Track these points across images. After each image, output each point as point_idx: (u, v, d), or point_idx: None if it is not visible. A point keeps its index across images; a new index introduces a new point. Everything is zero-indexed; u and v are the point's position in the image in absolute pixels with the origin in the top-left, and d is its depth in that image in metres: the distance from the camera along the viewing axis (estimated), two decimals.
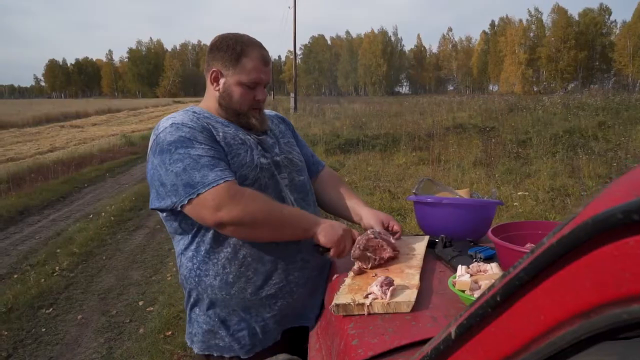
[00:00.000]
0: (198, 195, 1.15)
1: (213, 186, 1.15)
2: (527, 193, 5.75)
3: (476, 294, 0.98)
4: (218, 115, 1.35)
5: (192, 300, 1.35)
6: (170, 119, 1.27)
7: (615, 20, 74.62)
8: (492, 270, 1.05)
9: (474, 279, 1.02)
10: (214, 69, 1.33)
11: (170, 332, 3.05)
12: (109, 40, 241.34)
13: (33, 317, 3.40)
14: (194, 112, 1.34)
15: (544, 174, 6.86)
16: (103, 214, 6.27)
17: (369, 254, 1.27)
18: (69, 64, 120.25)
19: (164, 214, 1.30)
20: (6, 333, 3.15)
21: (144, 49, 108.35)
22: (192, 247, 1.29)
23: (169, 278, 3.99)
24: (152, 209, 1.27)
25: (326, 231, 1.27)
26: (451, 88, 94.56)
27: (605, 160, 7.44)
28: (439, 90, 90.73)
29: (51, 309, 3.52)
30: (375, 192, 6.31)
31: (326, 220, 1.31)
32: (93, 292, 3.83)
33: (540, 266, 0.34)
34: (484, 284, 0.98)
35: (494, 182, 6.72)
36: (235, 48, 1.30)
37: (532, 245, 1.18)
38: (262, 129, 1.39)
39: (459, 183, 6.61)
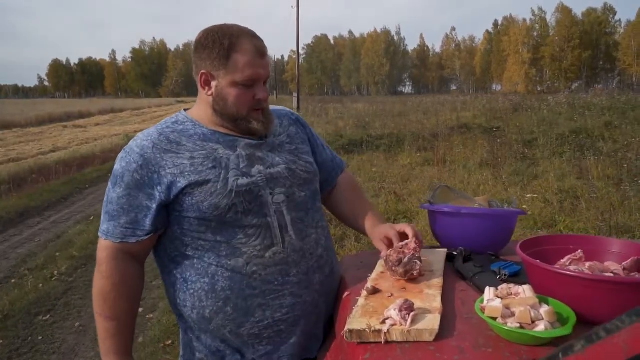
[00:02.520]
0: (98, 235, 1.17)
1: (101, 237, 1.16)
2: (536, 195, 5.63)
3: (509, 323, 0.86)
4: (208, 123, 1.18)
5: (184, 325, 1.24)
6: (132, 140, 1.18)
7: (619, 20, 74.47)
8: (525, 293, 0.94)
9: (506, 304, 0.90)
10: (202, 71, 1.15)
11: (170, 341, 2.95)
12: (112, 40, 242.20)
13: (30, 324, 3.30)
14: (175, 122, 1.19)
15: (552, 175, 6.73)
16: None
17: (408, 260, 1.16)
18: (72, 64, 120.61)
19: None
20: (1, 341, 3.06)
21: (147, 49, 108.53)
22: (174, 271, 1.17)
23: None
24: None
25: None
26: (454, 88, 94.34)
27: (615, 161, 7.30)
28: (442, 90, 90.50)
29: (48, 316, 3.42)
30: (381, 194, 6.19)
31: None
32: (92, 298, 3.71)
33: None
34: (518, 311, 0.87)
35: (502, 183, 6.59)
36: (222, 43, 1.11)
37: (566, 263, 1.06)
38: (266, 132, 1.20)
39: (465, 185, 6.49)
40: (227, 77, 1.13)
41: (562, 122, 12.42)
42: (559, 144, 9.19)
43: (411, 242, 1.20)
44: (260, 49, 1.15)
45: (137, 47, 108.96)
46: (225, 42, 1.12)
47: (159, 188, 1.11)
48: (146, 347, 2.92)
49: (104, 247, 1.15)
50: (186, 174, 1.10)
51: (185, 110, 1.26)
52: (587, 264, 1.04)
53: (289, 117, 1.36)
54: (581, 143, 9.17)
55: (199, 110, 1.22)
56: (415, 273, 1.16)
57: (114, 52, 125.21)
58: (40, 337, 3.11)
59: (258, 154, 1.18)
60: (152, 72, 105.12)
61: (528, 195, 5.62)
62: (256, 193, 1.13)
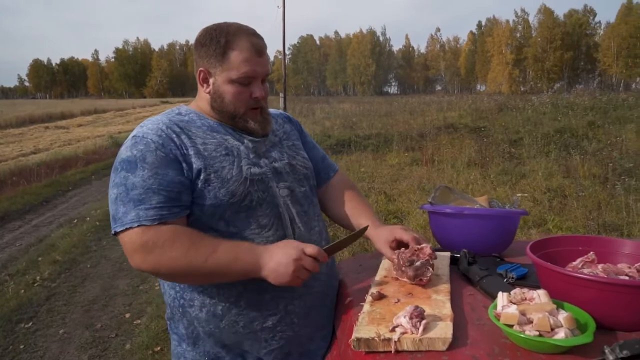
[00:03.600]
0: (115, 233, 1.04)
1: (127, 228, 1.01)
2: (525, 195, 5.66)
3: (527, 331, 0.82)
4: (210, 117, 1.18)
5: (178, 332, 1.18)
6: (137, 128, 1.12)
7: (599, 22, 75.77)
8: (540, 299, 0.90)
9: (521, 310, 0.86)
10: (201, 69, 1.15)
11: (159, 348, 2.86)
12: (94, 39, 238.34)
13: (11, 332, 3.17)
14: (179, 113, 1.17)
15: (539, 175, 6.78)
16: (88, 218, 6.03)
17: (420, 264, 1.12)
18: (54, 64, 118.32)
19: None
20: None
21: (131, 49, 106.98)
22: None
23: (157, 287, 3.79)
24: None
25: (274, 274, 1.02)
26: (439, 88, 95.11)
27: (599, 159, 7.39)
28: (428, 90, 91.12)
29: (31, 323, 3.29)
30: (371, 194, 6.15)
31: (271, 252, 1.04)
32: (76, 303, 3.61)
33: None
34: (536, 318, 0.83)
35: (490, 182, 6.62)
36: (219, 40, 1.11)
37: (579, 266, 1.03)
38: (263, 132, 1.19)
39: (454, 184, 6.49)
40: (223, 74, 1.13)
41: (547, 122, 12.59)
42: (545, 143, 9.29)
43: (427, 248, 1.16)
44: (257, 47, 1.13)
45: (120, 46, 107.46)
46: (222, 40, 1.11)
47: (184, 165, 1.07)
48: (134, 354, 2.83)
49: (140, 233, 1.00)
50: (202, 157, 1.08)
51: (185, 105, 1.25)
52: (600, 266, 1.01)
53: (282, 116, 1.39)
54: (566, 142, 9.28)
55: (199, 105, 1.20)
56: (424, 279, 1.12)
57: (96, 52, 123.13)
58: (22, 346, 2.99)
59: (262, 149, 1.19)
60: (136, 73, 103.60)
61: (517, 195, 5.64)
62: (267, 183, 1.14)
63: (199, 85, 1.19)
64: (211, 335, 1.12)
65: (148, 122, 1.13)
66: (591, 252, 1.04)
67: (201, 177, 1.07)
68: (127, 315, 3.37)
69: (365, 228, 1.21)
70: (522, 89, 66.12)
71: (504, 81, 69.42)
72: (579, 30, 71.10)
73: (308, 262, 1.03)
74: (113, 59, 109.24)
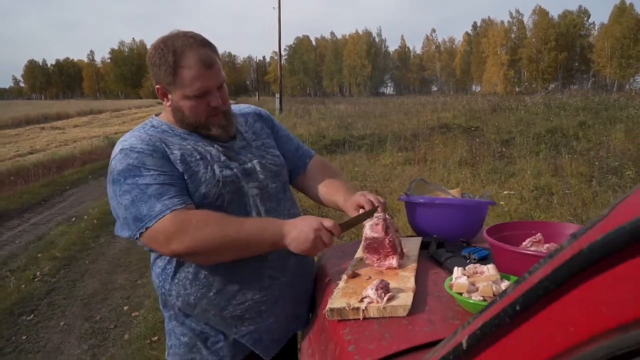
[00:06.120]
0: (146, 229, 1.09)
1: (159, 218, 1.08)
2: (512, 192, 5.80)
3: (474, 297, 0.96)
4: (178, 127, 1.25)
5: (167, 314, 1.31)
6: (121, 142, 1.19)
7: (593, 22, 76.27)
8: (489, 271, 1.03)
9: (471, 281, 1.00)
10: (157, 86, 1.21)
11: (156, 337, 2.99)
12: (90, 40, 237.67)
13: (13, 324, 3.29)
14: (153, 126, 1.25)
15: (528, 173, 6.93)
16: (85, 216, 6.14)
17: (374, 248, 1.26)
18: (49, 65, 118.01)
19: None
20: None
21: (127, 50, 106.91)
22: (160, 264, 1.24)
23: None
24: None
25: (296, 242, 1.13)
26: (435, 89, 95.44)
27: (588, 159, 7.56)
28: (423, 90, 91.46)
29: (32, 316, 3.41)
30: None
31: (293, 223, 1.16)
32: (76, 297, 3.73)
33: (569, 274, 0.32)
34: (482, 285, 0.96)
35: (480, 181, 6.77)
36: (167, 60, 1.14)
37: (528, 245, 1.17)
38: (227, 135, 1.27)
39: (445, 182, 6.63)
40: (178, 92, 1.18)
41: (539, 122, 12.75)
42: (536, 143, 9.45)
43: (380, 208, 1.33)
44: (205, 60, 1.16)
45: (116, 47, 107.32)
46: (170, 59, 1.14)
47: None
48: (132, 343, 2.95)
49: (173, 218, 1.08)
50: (181, 162, 1.17)
51: (156, 115, 1.33)
52: (546, 245, 1.15)
53: (253, 114, 1.45)
54: (556, 142, 9.45)
55: (168, 116, 1.27)
56: (385, 264, 1.26)
57: (92, 52, 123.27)
58: (24, 337, 3.11)
59: (231, 152, 1.27)
60: (132, 73, 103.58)
61: (505, 192, 5.80)
62: (237, 184, 1.23)
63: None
64: (191, 317, 1.25)
65: (129, 136, 1.20)
66: (538, 234, 1.18)
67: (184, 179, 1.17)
68: (126, 308, 3.49)
69: (376, 208, 1.32)
70: (517, 89, 66.44)
71: (499, 82, 69.78)
72: (573, 31, 71.61)
73: (325, 233, 1.15)
74: (109, 60, 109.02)
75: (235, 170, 1.23)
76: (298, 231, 1.14)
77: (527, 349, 0.36)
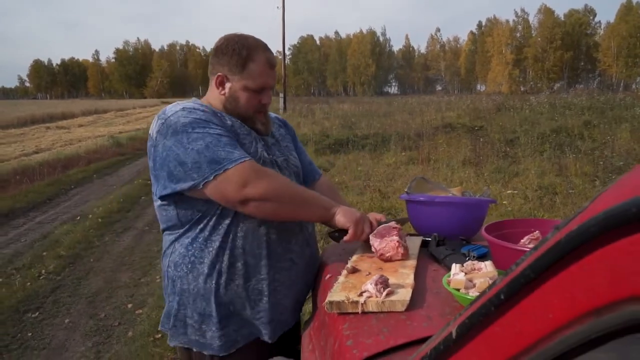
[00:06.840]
0: (225, 170, 1.14)
1: (239, 162, 1.16)
2: (515, 192, 5.80)
3: (471, 292, 0.97)
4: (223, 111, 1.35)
5: (176, 290, 1.30)
6: (178, 104, 1.27)
7: (599, 21, 75.87)
8: (487, 268, 1.05)
9: (469, 277, 1.01)
10: (219, 74, 1.32)
11: (160, 335, 3.01)
12: (95, 40, 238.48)
13: (19, 321, 3.33)
14: (199, 104, 1.32)
15: (532, 173, 6.92)
16: (90, 215, 6.18)
17: (382, 236, 1.31)
18: (54, 65, 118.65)
19: (162, 203, 1.27)
20: None
21: (131, 49, 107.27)
22: (190, 234, 1.27)
23: (158, 280, 3.94)
24: (162, 195, 1.23)
25: (345, 212, 1.31)
26: (439, 88, 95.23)
27: (592, 159, 7.53)
28: (428, 90, 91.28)
29: (37, 313, 3.45)
30: (366, 192, 6.31)
31: (343, 205, 1.35)
32: (80, 295, 3.76)
33: (548, 263, 0.33)
34: (479, 282, 0.98)
35: (483, 180, 6.76)
36: (241, 53, 1.29)
37: (526, 242, 1.18)
38: (266, 132, 1.39)
39: (448, 182, 6.64)
40: (241, 82, 1.31)
41: (543, 122, 12.71)
42: (540, 143, 9.42)
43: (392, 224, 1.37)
44: (271, 61, 1.33)
45: (120, 47, 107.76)
46: (244, 53, 1.29)
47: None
48: (136, 340, 2.98)
49: (251, 165, 1.18)
50: (231, 131, 1.26)
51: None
52: None
53: (278, 120, 1.59)
54: (561, 141, 9.41)
55: (216, 104, 1.35)
56: (387, 254, 1.28)
57: (97, 52, 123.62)
58: (29, 334, 3.15)
59: (266, 145, 1.38)
60: (137, 73, 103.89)
61: (508, 192, 5.79)
62: (273, 168, 1.33)
63: (213, 87, 1.34)
64: (208, 293, 1.26)
65: (181, 104, 1.27)
66: (536, 231, 1.19)
67: None
68: (130, 306, 3.52)
69: (407, 218, 1.57)
70: (522, 89, 66.20)
71: (503, 81, 69.53)
72: (579, 30, 71.24)
73: (368, 223, 1.35)
74: (113, 60, 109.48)
75: (272, 157, 1.36)
76: (348, 207, 1.35)
77: (512, 335, 0.37)
